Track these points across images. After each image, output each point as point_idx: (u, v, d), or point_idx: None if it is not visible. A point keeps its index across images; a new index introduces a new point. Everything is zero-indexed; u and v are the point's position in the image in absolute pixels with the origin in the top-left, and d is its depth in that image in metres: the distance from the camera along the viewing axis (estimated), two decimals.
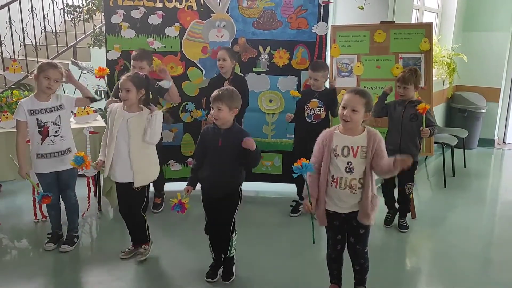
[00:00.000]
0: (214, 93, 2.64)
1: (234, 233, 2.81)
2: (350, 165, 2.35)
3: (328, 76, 3.85)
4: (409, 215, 3.87)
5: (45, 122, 3.01)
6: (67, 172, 3.11)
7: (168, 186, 4.03)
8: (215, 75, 4.07)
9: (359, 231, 2.46)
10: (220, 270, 2.89)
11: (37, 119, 3.00)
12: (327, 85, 3.90)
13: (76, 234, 3.29)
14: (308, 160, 2.33)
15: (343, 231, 2.51)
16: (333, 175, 2.40)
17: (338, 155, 2.38)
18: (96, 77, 3.40)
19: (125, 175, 2.89)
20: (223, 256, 2.87)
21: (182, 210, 2.65)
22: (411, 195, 3.73)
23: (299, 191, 4.00)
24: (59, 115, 3.04)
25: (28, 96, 3.16)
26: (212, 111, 2.64)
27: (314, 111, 3.75)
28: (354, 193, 2.37)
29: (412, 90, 3.49)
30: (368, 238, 2.50)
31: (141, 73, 3.51)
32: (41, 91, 3.02)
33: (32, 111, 3.00)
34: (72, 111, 3.32)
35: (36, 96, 3.05)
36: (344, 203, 2.40)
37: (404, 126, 3.48)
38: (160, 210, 3.86)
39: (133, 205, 3.01)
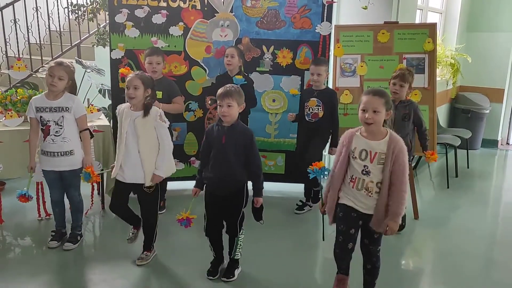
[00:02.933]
0: (222, 90, 2.64)
1: (242, 232, 2.81)
2: (367, 168, 2.35)
3: (329, 72, 3.88)
4: (411, 216, 3.87)
5: (47, 121, 3.03)
6: (70, 172, 3.11)
7: (171, 185, 4.03)
8: (219, 73, 4.08)
9: (373, 236, 2.45)
10: (221, 267, 2.90)
11: (40, 116, 3.03)
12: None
13: (80, 233, 3.30)
14: (323, 164, 2.52)
15: (357, 226, 2.44)
16: (352, 175, 2.41)
17: (355, 157, 2.38)
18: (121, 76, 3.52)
19: (135, 175, 2.89)
20: (228, 256, 2.89)
21: (187, 225, 2.78)
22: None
23: (306, 193, 4.01)
24: (62, 116, 3.03)
25: (40, 94, 3.21)
26: (220, 109, 2.63)
27: (313, 110, 3.76)
28: (370, 195, 2.36)
29: (406, 89, 3.49)
30: (381, 239, 2.50)
31: (158, 70, 3.61)
32: (48, 89, 3.05)
33: (38, 109, 3.04)
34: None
35: (46, 94, 3.09)
36: (361, 203, 2.39)
37: (396, 126, 3.45)
38: (162, 212, 3.85)
39: (147, 207, 2.99)
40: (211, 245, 2.88)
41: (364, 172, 2.36)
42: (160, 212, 3.80)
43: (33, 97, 3.13)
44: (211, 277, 2.84)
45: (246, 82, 3.79)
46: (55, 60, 3.11)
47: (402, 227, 3.66)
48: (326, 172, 2.53)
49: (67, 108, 3.05)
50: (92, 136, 3.23)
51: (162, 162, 2.89)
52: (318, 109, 3.75)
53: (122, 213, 3.07)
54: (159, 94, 3.60)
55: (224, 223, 2.85)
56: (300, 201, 4.00)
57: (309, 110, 3.77)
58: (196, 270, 2.94)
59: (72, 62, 4.87)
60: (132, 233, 3.12)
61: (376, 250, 2.50)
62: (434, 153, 3.58)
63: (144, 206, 3.00)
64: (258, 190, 2.73)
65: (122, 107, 2.96)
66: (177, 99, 3.79)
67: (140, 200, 2.98)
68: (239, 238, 2.81)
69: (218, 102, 2.65)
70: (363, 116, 2.34)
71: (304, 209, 3.95)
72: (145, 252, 3.06)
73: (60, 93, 3.06)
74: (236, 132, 2.66)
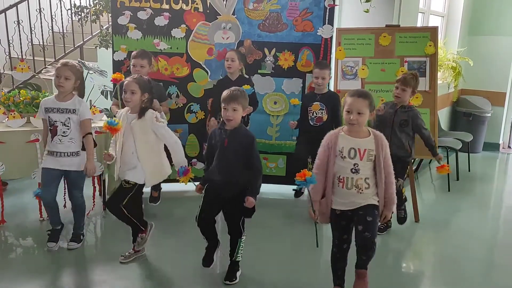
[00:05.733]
0: (227, 94, 2.64)
1: (243, 234, 2.81)
2: (357, 166, 2.39)
3: (331, 76, 3.90)
4: (412, 218, 3.88)
5: (55, 121, 3.05)
6: (75, 173, 3.13)
7: (172, 187, 4.05)
8: (221, 76, 4.09)
9: (366, 218, 2.39)
10: (216, 255, 2.91)
11: (49, 116, 3.06)
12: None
13: (82, 232, 3.31)
14: (310, 173, 2.35)
15: (349, 230, 2.52)
16: (339, 176, 2.43)
17: (344, 156, 2.40)
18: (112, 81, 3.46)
19: (126, 172, 2.92)
20: (230, 259, 2.88)
21: (185, 173, 2.74)
22: (403, 191, 3.59)
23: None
24: (69, 118, 3.06)
25: (50, 96, 3.26)
26: (225, 113, 2.63)
27: (316, 114, 3.78)
28: (360, 193, 2.40)
29: (409, 93, 3.47)
30: (376, 228, 2.46)
31: (142, 74, 3.59)
32: (58, 91, 3.08)
33: (47, 109, 3.07)
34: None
35: (56, 95, 3.12)
36: (351, 203, 2.42)
37: (393, 131, 3.45)
38: (157, 203, 3.90)
39: (116, 198, 2.98)
40: (202, 234, 2.86)
41: (353, 171, 2.39)
42: (155, 203, 3.90)
43: (43, 99, 3.17)
44: (207, 266, 2.85)
45: (254, 91, 3.81)
46: (61, 61, 3.14)
47: (404, 219, 3.67)
48: (314, 180, 2.37)
49: (74, 110, 3.07)
50: (95, 144, 3.24)
51: (177, 157, 2.94)
52: (322, 113, 3.77)
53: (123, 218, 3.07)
54: None
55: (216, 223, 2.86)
56: (294, 190, 3.99)
57: (313, 115, 3.79)
58: (196, 271, 2.94)
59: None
60: (129, 253, 3.10)
61: (372, 240, 2.38)
62: (445, 166, 3.54)
63: (117, 196, 2.99)
64: (252, 191, 2.68)
65: (121, 111, 3.00)
66: (165, 103, 3.85)
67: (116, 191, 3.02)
68: (242, 239, 2.81)
69: (223, 105, 2.65)
70: (347, 117, 2.41)
71: (302, 192, 3.95)
72: (139, 235, 3.07)
73: (69, 95, 3.08)
74: (238, 135, 2.67)
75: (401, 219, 3.67)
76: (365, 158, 2.38)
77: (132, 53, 3.72)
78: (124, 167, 2.95)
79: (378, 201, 2.45)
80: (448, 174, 4.93)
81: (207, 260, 2.88)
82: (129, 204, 2.97)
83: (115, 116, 3.13)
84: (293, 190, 4.00)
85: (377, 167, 2.40)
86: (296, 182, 2.34)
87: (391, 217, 3.59)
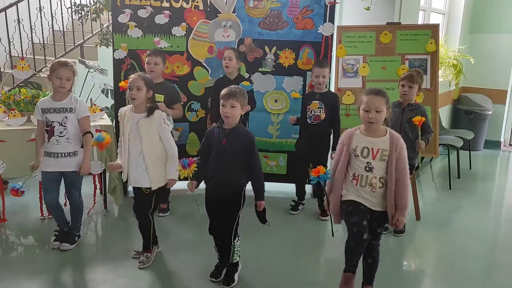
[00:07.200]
0: (226, 91, 2.62)
1: (237, 239, 2.78)
2: (370, 165, 2.40)
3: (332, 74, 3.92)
4: (413, 217, 3.87)
5: (52, 122, 3.04)
6: (73, 174, 3.11)
7: (174, 185, 4.04)
8: (222, 75, 4.09)
9: (377, 231, 2.51)
10: (224, 271, 2.87)
11: (46, 117, 3.05)
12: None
13: (78, 233, 3.28)
14: (323, 168, 2.45)
15: (367, 219, 2.43)
16: (354, 173, 2.44)
17: (357, 155, 2.42)
18: (121, 90, 3.45)
19: (138, 180, 2.89)
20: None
21: (190, 163, 2.64)
22: None
23: (298, 191, 4.01)
24: (66, 117, 3.04)
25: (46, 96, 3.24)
26: (223, 109, 2.61)
27: (314, 112, 3.76)
28: (374, 191, 2.40)
29: (415, 90, 3.46)
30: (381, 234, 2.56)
31: (156, 71, 3.58)
32: (56, 91, 3.06)
33: (43, 110, 3.05)
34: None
35: (52, 96, 3.10)
36: (366, 200, 2.43)
37: (403, 129, 3.42)
38: (166, 214, 3.80)
39: (140, 207, 2.99)
40: (215, 246, 2.84)
41: (367, 169, 2.40)
42: (164, 214, 3.81)
43: (39, 100, 3.15)
44: (214, 279, 2.82)
45: (252, 87, 3.79)
46: (56, 62, 3.09)
47: (401, 231, 3.63)
48: (328, 175, 2.49)
49: (71, 109, 3.05)
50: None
51: (173, 167, 2.87)
52: (320, 111, 3.75)
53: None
54: (161, 98, 3.57)
55: None
56: (293, 200, 4.01)
57: (311, 113, 3.77)
58: (197, 271, 2.94)
59: (75, 62, 4.91)
60: (141, 249, 3.09)
61: (377, 245, 2.55)
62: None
63: (137, 206, 2.99)
64: (259, 193, 2.69)
65: (123, 110, 2.94)
66: (178, 105, 3.82)
67: (136, 199, 2.99)
68: (236, 244, 2.78)
69: (221, 102, 2.62)
70: (366, 116, 2.40)
71: (298, 209, 3.96)
72: (145, 254, 3.04)
73: (66, 94, 3.07)
74: (237, 135, 2.64)
75: (398, 231, 3.57)
76: (377, 157, 2.38)
77: (146, 52, 3.71)
78: (134, 175, 2.88)
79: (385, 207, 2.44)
80: (450, 172, 4.94)
81: (215, 275, 2.84)
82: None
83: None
84: (290, 205, 3.99)
85: (389, 167, 2.38)
86: (311, 178, 2.49)
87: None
